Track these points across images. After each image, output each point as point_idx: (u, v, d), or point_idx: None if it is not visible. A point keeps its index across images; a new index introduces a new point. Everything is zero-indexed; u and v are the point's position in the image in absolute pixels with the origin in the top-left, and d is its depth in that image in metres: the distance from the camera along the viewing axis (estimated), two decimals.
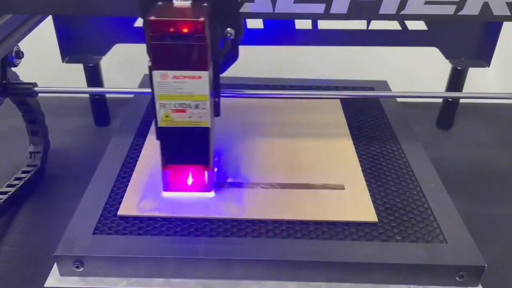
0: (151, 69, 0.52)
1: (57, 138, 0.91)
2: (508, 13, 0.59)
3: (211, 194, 0.62)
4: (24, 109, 0.80)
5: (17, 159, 0.84)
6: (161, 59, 0.51)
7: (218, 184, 0.64)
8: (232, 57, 0.60)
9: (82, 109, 1.03)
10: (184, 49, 0.51)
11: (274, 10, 0.57)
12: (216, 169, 0.65)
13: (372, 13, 0.58)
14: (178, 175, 0.61)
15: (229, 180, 0.65)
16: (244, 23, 0.87)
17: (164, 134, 0.57)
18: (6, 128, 0.99)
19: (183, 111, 0.54)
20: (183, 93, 0.53)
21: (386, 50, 0.93)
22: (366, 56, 1.08)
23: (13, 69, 0.72)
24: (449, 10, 0.59)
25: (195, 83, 0.52)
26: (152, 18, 0.49)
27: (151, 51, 0.51)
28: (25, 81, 0.74)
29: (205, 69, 0.52)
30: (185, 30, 0.50)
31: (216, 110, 0.60)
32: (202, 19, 0.49)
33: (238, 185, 0.64)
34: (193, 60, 0.51)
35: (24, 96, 0.71)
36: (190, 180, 0.61)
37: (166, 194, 0.62)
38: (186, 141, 0.57)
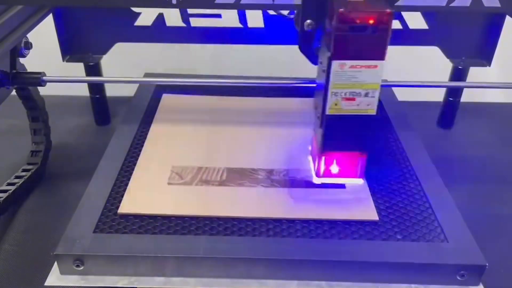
0: (330, 59, 0.54)
1: (57, 137, 0.91)
2: (498, 5, 0.60)
3: (361, 181, 0.62)
4: (29, 106, 0.81)
5: (18, 158, 0.84)
6: (342, 49, 0.53)
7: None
8: None
9: (82, 108, 1.03)
10: (367, 40, 0.52)
11: None
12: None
13: None
14: (332, 162, 0.61)
15: None
16: (245, 20, 0.88)
17: (330, 122, 0.58)
18: (6, 127, 0.99)
19: (353, 99, 0.56)
20: (357, 82, 0.55)
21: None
22: None
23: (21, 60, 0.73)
24: (442, 1, 0.60)
25: (370, 72, 0.54)
26: (342, 10, 0.51)
27: (334, 42, 0.53)
28: None
29: (382, 59, 0.54)
30: (371, 22, 0.52)
31: None
32: (388, 10, 0.51)
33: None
34: (372, 50, 0.53)
35: (33, 85, 0.72)
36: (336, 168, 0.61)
37: (317, 180, 0.63)
38: (350, 129, 0.58)
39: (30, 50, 0.73)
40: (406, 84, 0.80)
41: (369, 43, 0.53)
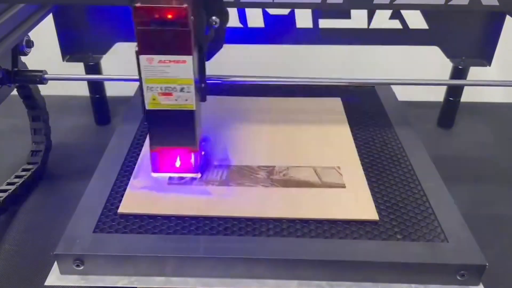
0: (137, 53, 0.54)
1: (57, 137, 0.91)
2: (497, 3, 0.61)
3: (198, 175, 0.64)
4: (30, 105, 0.81)
5: (18, 158, 0.84)
6: (147, 44, 0.54)
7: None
8: (218, 44, 0.63)
9: (82, 108, 1.03)
10: (169, 35, 0.53)
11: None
12: (203, 153, 0.67)
13: (367, 3, 0.61)
14: (166, 157, 0.62)
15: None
16: (244, 19, 0.89)
17: (151, 117, 0.59)
18: (7, 126, 0.99)
19: (169, 94, 0.57)
20: (169, 77, 0.56)
21: (387, 49, 0.93)
22: (367, 55, 1.08)
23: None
24: (440, 0, 0.62)
25: (180, 67, 0.55)
26: (138, 4, 0.51)
27: (137, 37, 0.53)
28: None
29: (189, 54, 0.54)
30: (169, 16, 0.52)
31: (202, 96, 0.62)
32: (185, 5, 0.51)
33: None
34: (177, 45, 0.54)
35: (34, 83, 0.73)
36: (178, 163, 0.62)
37: (155, 175, 0.64)
38: (173, 124, 0.60)
39: (32, 48, 0.73)
40: (405, 82, 0.80)
41: (173, 38, 0.53)
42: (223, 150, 0.71)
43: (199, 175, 0.64)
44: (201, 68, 0.60)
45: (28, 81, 0.73)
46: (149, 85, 0.56)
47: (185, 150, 0.62)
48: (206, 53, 0.61)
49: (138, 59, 0.55)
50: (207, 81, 0.62)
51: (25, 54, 0.73)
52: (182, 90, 0.56)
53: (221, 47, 0.63)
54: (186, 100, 0.57)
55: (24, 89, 0.79)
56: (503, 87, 1.17)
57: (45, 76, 0.72)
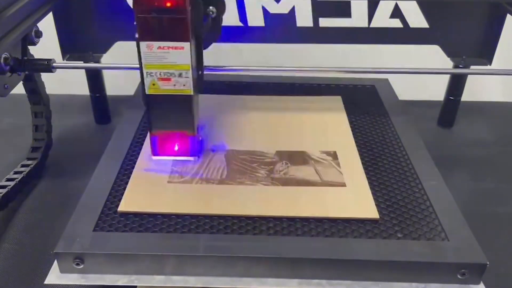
0: (137, 40, 0.57)
1: (58, 136, 0.91)
2: None
3: (195, 158, 0.67)
4: (34, 100, 0.82)
5: (17, 157, 0.84)
6: (146, 31, 0.57)
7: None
8: (215, 34, 0.66)
9: (82, 107, 1.03)
10: (167, 22, 0.56)
11: None
12: (200, 138, 0.69)
13: None
14: (164, 140, 0.65)
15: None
16: (245, 18, 0.88)
17: (151, 101, 0.62)
18: (6, 125, 0.99)
19: (168, 79, 0.60)
20: (168, 63, 0.58)
21: (387, 48, 0.93)
22: (367, 54, 1.08)
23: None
24: None
25: (178, 53, 0.58)
26: None
27: (137, 24, 0.56)
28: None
29: (187, 41, 0.57)
30: (168, 4, 0.55)
31: (199, 85, 0.65)
32: None
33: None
34: (175, 32, 0.57)
35: (43, 71, 0.75)
36: (176, 146, 0.65)
37: (155, 159, 0.67)
38: (171, 108, 0.62)
39: (40, 38, 0.76)
40: (404, 71, 0.81)
41: (172, 25, 0.56)
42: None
43: (195, 158, 0.67)
44: (198, 56, 0.63)
45: (38, 69, 0.75)
46: (148, 71, 0.59)
47: (183, 134, 0.64)
48: (203, 42, 0.63)
49: (138, 45, 0.57)
50: (205, 71, 0.65)
51: (34, 44, 0.75)
52: (180, 75, 0.59)
53: (218, 36, 0.66)
54: (184, 85, 0.60)
55: (30, 82, 0.80)
56: (503, 86, 1.17)
57: (54, 64, 0.74)
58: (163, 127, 0.64)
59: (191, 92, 0.61)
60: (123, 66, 0.80)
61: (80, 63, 0.86)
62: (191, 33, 0.58)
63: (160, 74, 0.59)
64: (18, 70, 0.70)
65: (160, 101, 0.61)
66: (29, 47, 0.74)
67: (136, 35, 0.57)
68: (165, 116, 0.63)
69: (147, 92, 0.61)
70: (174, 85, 0.60)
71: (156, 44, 0.57)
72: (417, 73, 0.81)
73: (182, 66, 0.59)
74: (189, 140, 0.65)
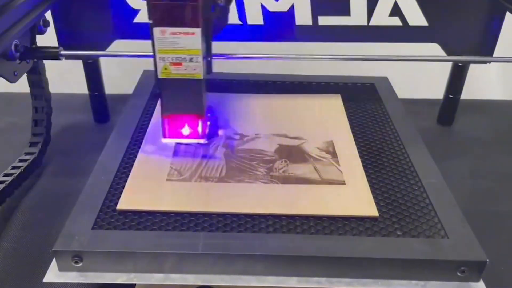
0: (151, 26, 0.60)
1: (56, 134, 0.91)
2: None
3: (204, 141, 0.70)
4: (36, 95, 0.84)
5: (16, 156, 0.84)
6: (160, 17, 0.60)
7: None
8: (223, 22, 0.69)
9: (81, 106, 1.03)
10: (180, 8, 0.59)
11: None
12: (209, 123, 0.72)
13: None
14: (175, 124, 0.68)
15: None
16: (244, 16, 0.88)
17: (163, 85, 0.65)
18: (5, 125, 0.99)
19: (179, 64, 0.63)
20: (179, 48, 0.62)
21: (386, 47, 0.93)
22: (366, 53, 1.07)
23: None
24: None
25: (189, 38, 0.61)
26: None
27: (151, 10, 0.59)
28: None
29: (198, 27, 0.60)
30: None
31: (208, 68, 0.68)
32: None
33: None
34: (187, 18, 0.60)
35: (51, 59, 0.78)
36: (186, 130, 0.68)
37: (165, 141, 0.69)
38: (182, 91, 0.65)
39: (48, 28, 0.79)
40: (401, 58, 0.82)
41: (183, 11, 0.59)
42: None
43: (205, 141, 0.70)
44: (207, 43, 0.66)
45: (46, 57, 0.78)
46: (161, 55, 0.62)
47: (193, 117, 0.67)
48: (212, 30, 0.66)
49: (151, 31, 0.61)
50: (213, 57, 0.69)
51: (42, 33, 0.78)
52: (191, 60, 0.62)
53: (225, 24, 0.69)
54: (195, 69, 0.63)
55: (35, 75, 0.82)
56: (503, 85, 1.17)
57: (61, 52, 0.77)
58: (174, 110, 0.67)
59: (201, 76, 0.64)
60: (131, 54, 0.83)
61: (87, 52, 0.89)
62: (202, 20, 0.61)
63: (172, 59, 0.62)
64: (27, 57, 0.73)
65: (171, 85, 0.64)
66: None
67: (150, 21, 0.60)
68: (176, 99, 0.66)
69: (159, 76, 0.64)
70: (185, 69, 0.63)
71: (168, 29, 0.60)
72: (413, 60, 0.82)
73: (193, 51, 0.62)
74: (198, 123, 0.68)
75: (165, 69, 0.63)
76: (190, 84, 0.64)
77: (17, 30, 0.67)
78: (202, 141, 0.70)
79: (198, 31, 0.61)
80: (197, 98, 0.66)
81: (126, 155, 0.69)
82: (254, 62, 1.02)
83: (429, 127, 1.01)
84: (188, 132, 0.68)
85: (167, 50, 0.62)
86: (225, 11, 0.68)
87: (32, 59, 0.76)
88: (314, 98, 0.85)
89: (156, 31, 0.60)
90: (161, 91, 0.66)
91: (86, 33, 0.90)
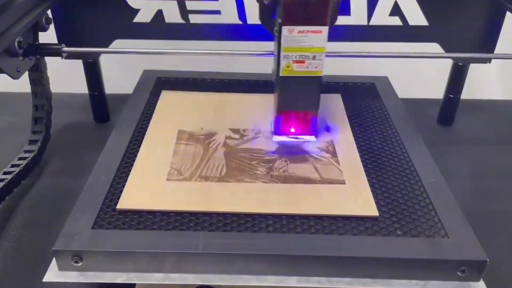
0: (280, 24, 0.62)
1: (56, 134, 0.91)
2: None
3: (313, 138, 0.71)
4: (37, 93, 0.84)
5: (15, 155, 0.84)
6: (291, 16, 0.61)
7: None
8: (336, 16, 0.68)
9: (81, 106, 1.03)
10: (311, 8, 0.61)
11: None
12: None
13: None
14: (288, 121, 0.70)
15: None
16: (244, 16, 0.88)
17: (284, 83, 0.66)
18: (4, 124, 0.99)
19: (302, 62, 0.64)
20: (304, 46, 0.63)
21: (386, 46, 0.93)
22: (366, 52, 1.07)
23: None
24: None
25: (316, 37, 0.62)
26: None
27: (283, 9, 0.61)
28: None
29: (326, 25, 0.62)
30: None
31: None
32: None
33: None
34: (317, 16, 0.61)
35: (54, 55, 0.78)
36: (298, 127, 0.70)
37: (276, 138, 0.71)
38: (301, 89, 0.67)
39: (50, 25, 0.79)
40: (399, 55, 0.83)
41: (313, 10, 0.61)
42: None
43: (314, 138, 0.71)
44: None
45: (49, 54, 0.78)
46: (286, 54, 0.63)
47: (304, 114, 0.69)
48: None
49: (279, 30, 0.62)
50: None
51: (45, 30, 0.78)
52: (314, 58, 0.64)
53: (337, 18, 0.69)
54: (316, 67, 0.64)
55: (36, 73, 0.82)
56: (503, 84, 1.17)
57: (64, 49, 0.77)
58: (290, 106, 0.68)
59: (321, 73, 0.65)
60: (138, 50, 0.83)
61: (89, 49, 0.89)
62: (329, 18, 0.62)
63: (295, 57, 0.63)
64: (30, 53, 0.73)
65: (291, 82, 0.66)
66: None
67: (279, 20, 0.62)
68: (294, 96, 0.68)
69: (281, 74, 0.65)
70: (307, 67, 0.64)
71: (297, 28, 0.61)
72: (412, 57, 0.83)
73: (318, 49, 0.63)
74: (311, 120, 0.70)
75: (288, 67, 0.64)
76: (310, 81, 0.66)
77: (20, 27, 0.67)
78: (313, 138, 0.71)
79: (325, 29, 0.62)
80: (314, 95, 0.67)
81: (126, 155, 0.69)
82: (252, 60, 1.02)
83: (430, 127, 1.01)
84: (301, 129, 0.70)
85: (292, 48, 0.63)
86: (337, 6, 0.68)
87: (35, 56, 0.76)
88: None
89: (285, 29, 0.61)
90: (281, 88, 0.67)
91: (86, 32, 0.90)
